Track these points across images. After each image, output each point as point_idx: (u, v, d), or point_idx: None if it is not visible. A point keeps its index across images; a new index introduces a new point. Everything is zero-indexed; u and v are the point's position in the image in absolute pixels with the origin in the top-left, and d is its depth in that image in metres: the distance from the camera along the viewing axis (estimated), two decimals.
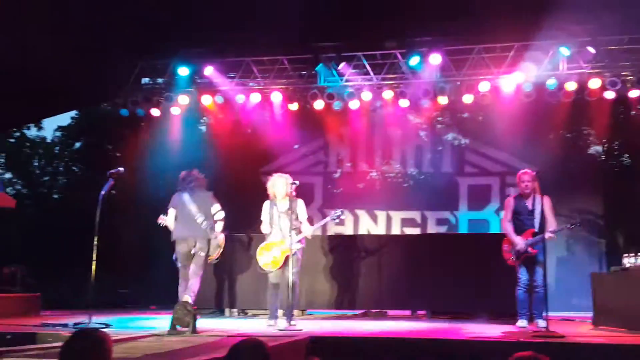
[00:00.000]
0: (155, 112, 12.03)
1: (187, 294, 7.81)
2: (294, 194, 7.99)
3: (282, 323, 7.65)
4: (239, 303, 10.24)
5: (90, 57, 11.06)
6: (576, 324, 8.51)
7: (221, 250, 8.29)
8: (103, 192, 7.70)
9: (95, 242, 7.71)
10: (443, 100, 11.28)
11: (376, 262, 10.04)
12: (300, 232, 7.86)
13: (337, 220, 8.71)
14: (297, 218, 7.91)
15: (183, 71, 11.57)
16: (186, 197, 8.13)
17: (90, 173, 16.33)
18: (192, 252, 8.00)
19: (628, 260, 8.00)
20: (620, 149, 11.89)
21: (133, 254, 13.24)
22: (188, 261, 8.02)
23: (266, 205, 8.11)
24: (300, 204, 8.01)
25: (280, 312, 8.16)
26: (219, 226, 8.14)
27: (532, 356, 2.62)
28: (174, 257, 8.16)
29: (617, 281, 7.72)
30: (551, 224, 7.56)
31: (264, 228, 8.07)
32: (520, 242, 7.63)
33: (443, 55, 10.87)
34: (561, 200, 10.44)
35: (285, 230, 7.80)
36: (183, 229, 8.06)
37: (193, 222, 8.00)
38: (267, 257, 7.93)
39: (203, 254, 8.01)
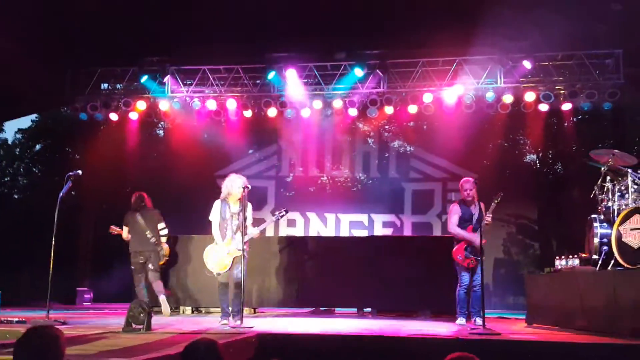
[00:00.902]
0: (113, 116, 11.86)
1: (161, 296, 9.10)
2: (245, 196, 7.76)
3: (233, 321, 7.51)
4: (193, 301, 10.11)
5: (51, 63, 10.85)
6: (511, 321, 8.61)
7: (167, 258, 9.55)
8: (61, 194, 7.57)
9: (53, 242, 7.59)
10: (389, 109, 11.39)
11: (325, 262, 10.03)
12: (246, 233, 7.66)
13: (281, 219, 8.49)
14: (245, 220, 7.74)
15: (143, 78, 11.43)
16: (138, 216, 9.27)
17: (50, 175, 15.94)
18: (148, 264, 9.22)
19: (559, 262, 8.17)
20: (553, 158, 12.19)
21: (92, 253, 13.01)
22: (143, 270, 9.22)
23: (217, 204, 7.84)
24: (249, 207, 7.84)
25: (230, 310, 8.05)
26: (164, 239, 9.45)
27: (462, 356, 2.56)
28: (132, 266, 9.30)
29: (549, 282, 7.86)
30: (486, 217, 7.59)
31: (215, 229, 7.83)
32: (476, 238, 7.40)
33: (389, 68, 10.99)
34: (498, 206, 10.62)
35: (233, 232, 7.65)
36: (137, 244, 9.23)
37: (144, 238, 9.21)
38: (214, 259, 7.73)
39: (155, 264, 9.26)
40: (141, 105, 11.70)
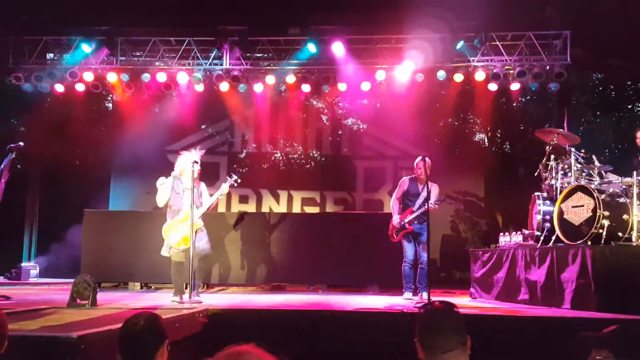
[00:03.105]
0: (59, 87, 11.48)
1: None
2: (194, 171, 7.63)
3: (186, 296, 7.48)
4: (142, 277, 10.01)
5: None
6: (456, 296, 8.82)
7: None
8: (2, 166, 7.36)
9: None
10: (342, 86, 11.39)
11: (277, 238, 10.07)
12: (201, 205, 7.61)
13: (235, 184, 8.23)
14: (200, 196, 7.68)
15: (87, 48, 11.08)
16: None
17: None
18: None
19: (503, 238, 8.39)
20: (502, 137, 12.39)
21: (38, 228, 12.71)
22: None
23: (170, 179, 7.74)
24: (202, 185, 7.78)
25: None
26: None
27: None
28: None
29: (492, 257, 8.03)
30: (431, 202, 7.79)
31: (161, 200, 7.68)
32: (395, 219, 8.01)
33: (344, 44, 10.95)
34: (447, 183, 10.82)
35: (187, 206, 7.55)
36: None
37: None
38: (177, 235, 7.56)
39: None
40: (88, 76, 11.35)
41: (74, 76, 11.22)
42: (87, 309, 6.37)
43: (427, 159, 7.93)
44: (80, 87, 11.49)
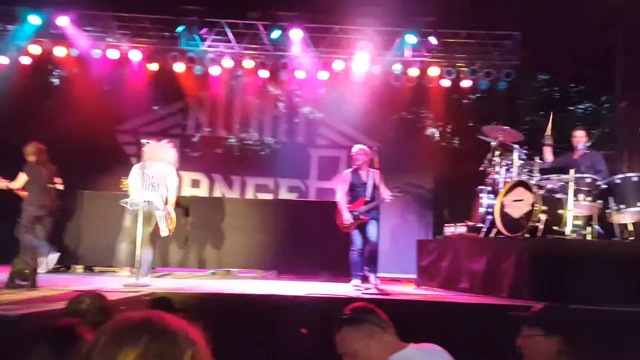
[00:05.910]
0: (3, 60, 11.09)
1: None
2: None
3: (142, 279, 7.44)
4: (85, 260, 9.83)
5: None
6: (402, 283, 9.02)
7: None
8: None
9: None
10: (300, 74, 11.41)
11: (229, 224, 10.06)
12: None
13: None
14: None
15: (34, 19, 10.72)
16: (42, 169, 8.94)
17: None
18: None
19: (448, 229, 8.64)
20: (452, 132, 12.57)
21: None
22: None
23: (135, 169, 7.71)
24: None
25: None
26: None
27: (366, 307, 2.81)
28: None
29: (438, 247, 8.28)
30: (384, 191, 7.93)
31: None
32: (348, 216, 7.96)
33: (303, 32, 10.97)
34: (398, 174, 10.93)
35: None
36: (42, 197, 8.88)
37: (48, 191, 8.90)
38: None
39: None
40: (34, 49, 11.00)
41: (19, 48, 10.86)
42: (26, 289, 6.23)
43: (363, 147, 8.11)
44: (25, 60, 11.12)
